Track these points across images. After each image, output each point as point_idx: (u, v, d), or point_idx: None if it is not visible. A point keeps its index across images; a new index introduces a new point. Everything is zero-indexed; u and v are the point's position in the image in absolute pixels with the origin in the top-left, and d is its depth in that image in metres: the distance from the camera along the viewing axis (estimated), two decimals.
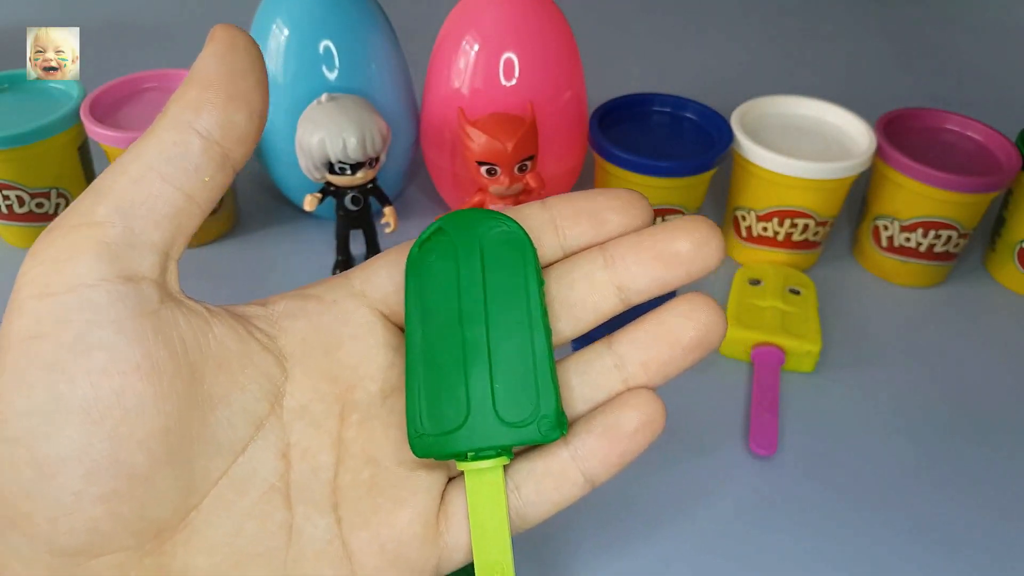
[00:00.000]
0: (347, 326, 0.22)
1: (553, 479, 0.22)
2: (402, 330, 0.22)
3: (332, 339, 0.22)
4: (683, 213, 0.55)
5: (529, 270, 0.21)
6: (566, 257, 0.22)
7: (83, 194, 0.19)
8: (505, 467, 0.22)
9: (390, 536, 0.21)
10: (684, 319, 0.21)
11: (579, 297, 0.22)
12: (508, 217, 0.21)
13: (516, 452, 0.22)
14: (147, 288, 0.18)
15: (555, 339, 0.22)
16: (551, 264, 0.22)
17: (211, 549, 0.19)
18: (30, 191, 0.54)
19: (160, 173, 0.19)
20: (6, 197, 0.54)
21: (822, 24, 0.94)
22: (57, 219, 0.19)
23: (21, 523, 0.17)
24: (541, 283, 0.21)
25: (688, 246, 0.21)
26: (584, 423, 0.22)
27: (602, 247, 0.22)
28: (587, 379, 0.22)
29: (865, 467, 0.45)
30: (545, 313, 0.21)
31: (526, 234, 0.21)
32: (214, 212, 0.57)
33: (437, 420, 0.21)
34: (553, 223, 0.22)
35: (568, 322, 0.22)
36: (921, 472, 0.45)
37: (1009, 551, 0.41)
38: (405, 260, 0.22)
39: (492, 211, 0.22)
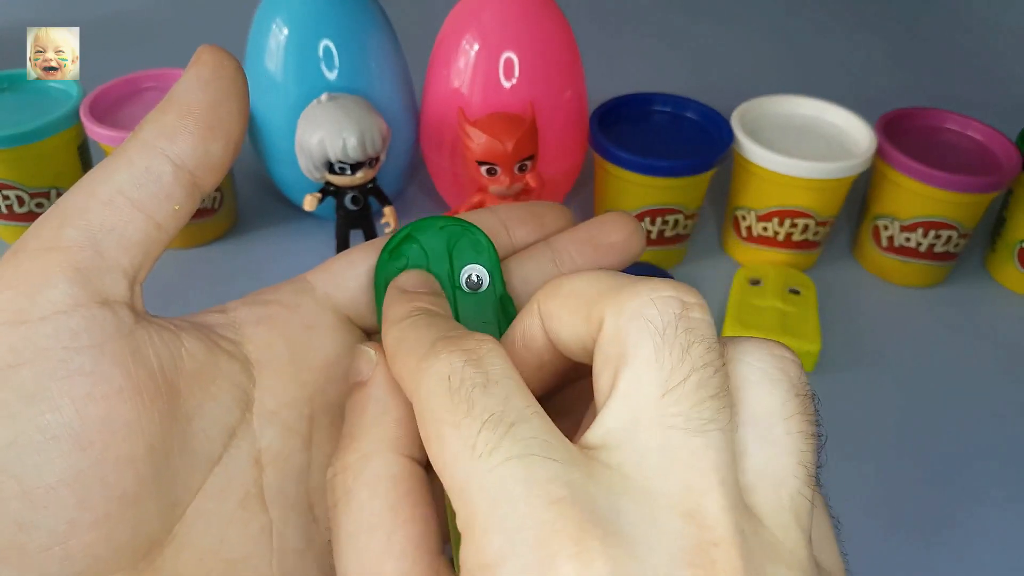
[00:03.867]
0: (312, 330, 0.22)
1: None
2: (366, 332, 0.23)
3: (297, 344, 0.22)
4: (683, 213, 0.55)
5: (493, 269, 0.23)
6: (517, 252, 0.24)
7: (47, 215, 0.18)
8: None
9: None
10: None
11: (535, 288, 0.23)
12: (472, 224, 0.23)
13: None
14: (121, 311, 0.18)
15: None
16: (506, 259, 0.24)
17: (199, 560, 0.19)
18: (30, 191, 0.54)
19: (130, 199, 0.18)
20: (6, 197, 0.54)
21: (822, 24, 0.94)
22: (20, 241, 0.18)
23: (13, 556, 0.17)
24: (503, 281, 0.23)
25: (619, 237, 0.23)
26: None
27: (548, 243, 0.24)
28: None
29: (864, 467, 0.45)
30: (509, 309, 0.22)
31: (489, 240, 0.23)
32: (214, 212, 0.57)
33: None
34: (503, 225, 0.24)
35: (530, 315, 0.23)
36: (921, 472, 0.45)
37: (1009, 551, 0.41)
38: (365, 261, 0.23)
39: (456, 218, 0.23)
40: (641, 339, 0.16)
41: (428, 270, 0.23)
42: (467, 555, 0.15)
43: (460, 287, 0.23)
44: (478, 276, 0.23)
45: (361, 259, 0.23)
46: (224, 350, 0.20)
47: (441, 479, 0.16)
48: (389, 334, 0.19)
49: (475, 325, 0.22)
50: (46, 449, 0.17)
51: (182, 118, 0.19)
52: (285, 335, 0.22)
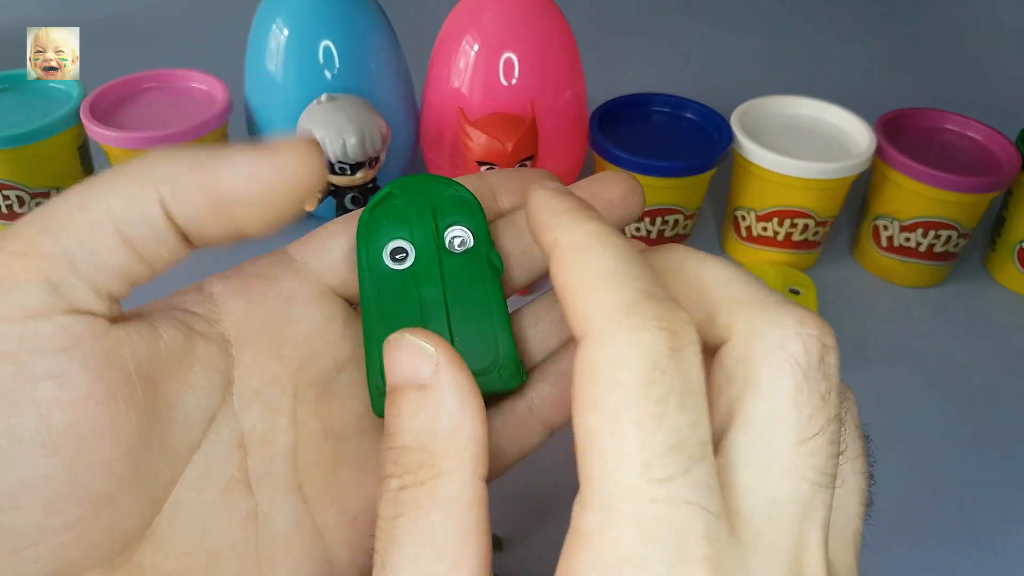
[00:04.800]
0: (292, 302, 0.21)
1: (512, 432, 0.22)
2: (349, 302, 0.22)
3: (277, 317, 0.21)
4: (683, 213, 0.55)
5: (479, 228, 0.22)
6: (512, 211, 0.23)
7: (31, 217, 0.17)
8: None
9: (360, 508, 0.21)
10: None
11: (525, 249, 0.23)
12: (456, 181, 0.22)
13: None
14: (94, 319, 0.17)
15: (508, 288, 0.23)
16: (495, 220, 0.23)
17: (180, 552, 0.19)
18: (30, 191, 0.54)
19: (119, 230, 0.17)
20: (6, 197, 0.54)
21: (822, 24, 0.94)
22: (1, 238, 0.17)
23: None
24: (491, 242, 0.22)
25: (617, 194, 0.23)
26: (538, 372, 0.23)
27: None
28: (539, 331, 0.23)
29: None
30: (497, 266, 0.22)
31: (474, 197, 0.22)
32: None
33: None
34: (490, 190, 0.23)
35: (519, 271, 0.23)
36: (920, 472, 0.45)
37: (1008, 551, 0.41)
38: (346, 231, 0.22)
39: (440, 176, 0.22)
40: (781, 374, 0.15)
41: (410, 229, 0.22)
42: (588, 561, 0.14)
43: (445, 247, 0.22)
44: (463, 236, 0.22)
45: (342, 230, 0.22)
46: (201, 333, 0.20)
47: (583, 461, 0.15)
48: (568, 232, 0.17)
49: (462, 287, 0.22)
50: (10, 453, 0.16)
51: (197, 189, 0.17)
52: (263, 308, 0.21)
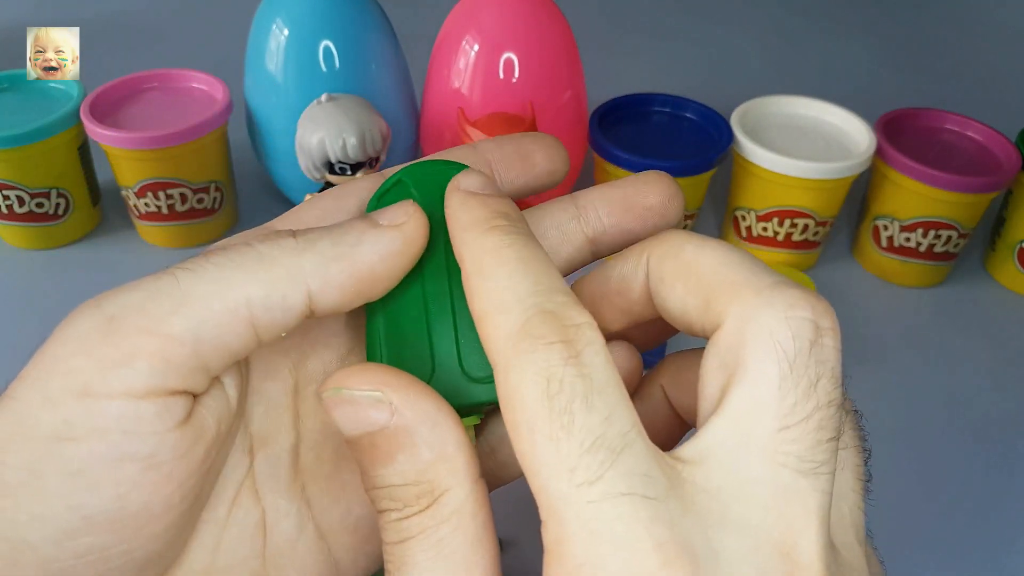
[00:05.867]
0: None
1: None
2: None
3: None
4: (684, 213, 0.55)
5: None
6: (536, 204, 0.22)
7: (159, 287, 0.17)
8: (477, 428, 0.21)
9: (362, 512, 0.20)
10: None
11: (550, 247, 0.21)
12: (469, 167, 0.21)
13: (489, 413, 0.21)
14: (193, 398, 0.17)
15: None
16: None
17: (195, 573, 0.19)
18: (30, 191, 0.54)
19: (253, 316, 0.17)
20: (6, 197, 0.54)
21: (822, 24, 0.94)
22: (116, 307, 0.16)
23: None
24: None
25: (657, 200, 0.21)
26: None
27: (573, 197, 0.22)
28: None
29: None
30: None
31: None
32: (214, 212, 0.57)
33: None
34: (489, 167, 0.22)
35: None
36: (920, 472, 0.45)
37: (1008, 551, 0.41)
38: (339, 209, 0.21)
39: (452, 161, 0.21)
40: (767, 362, 0.15)
41: None
42: (557, 574, 0.14)
43: None
44: None
45: (334, 204, 0.21)
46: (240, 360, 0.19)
47: (529, 483, 0.15)
48: (469, 250, 0.17)
49: None
50: (73, 527, 0.16)
51: (345, 275, 0.17)
52: None
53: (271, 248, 0.17)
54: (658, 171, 0.22)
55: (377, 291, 0.18)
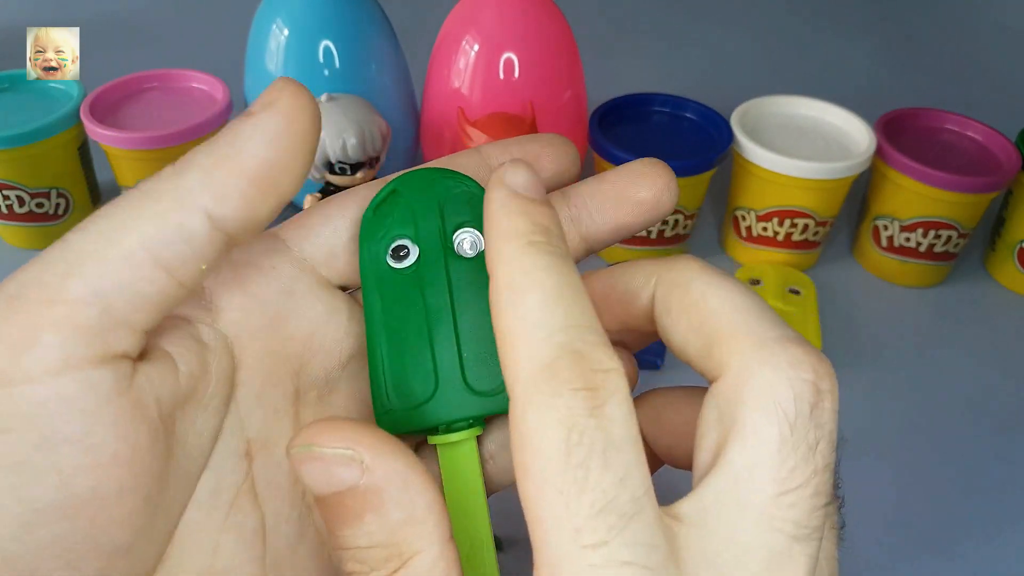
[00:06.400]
0: (291, 295, 0.20)
1: None
2: (343, 288, 0.21)
3: (277, 312, 0.19)
4: (683, 213, 0.55)
5: None
6: None
7: (53, 256, 0.16)
8: (478, 437, 0.21)
9: None
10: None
11: None
12: (466, 176, 0.21)
13: (488, 420, 0.21)
14: (122, 365, 0.16)
15: None
16: None
17: None
18: (30, 191, 0.54)
19: (155, 256, 0.16)
20: (6, 197, 0.54)
21: (822, 24, 0.94)
22: (15, 285, 0.15)
23: None
24: None
25: (649, 194, 0.21)
26: None
27: (564, 193, 0.21)
28: None
29: (864, 466, 0.45)
30: None
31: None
32: None
33: (404, 394, 0.20)
34: (491, 171, 0.21)
35: None
36: (920, 472, 0.45)
37: (1008, 550, 0.41)
38: (342, 215, 0.20)
39: (449, 170, 0.20)
40: (767, 423, 0.15)
41: (416, 228, 0.20)
42: None
43: (453, 250, 0.20)
44: (474, 238, 0.20)
45: (338, 212, 0.20)
46: (209, 346, 0.18)
47: (529, 528, 0.15)
48: (504, 266, 0.16)
49: (472, 296, 0.20)
50: (28, 520, 0.15)
51: (235, 177, 0.16)
52: (262, 303, 0.19)
53: (153, 181, 0.16)
54: (651, 160, 0.21)
55: (284, 185, 0.16)
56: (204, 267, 0.16)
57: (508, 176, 0.17)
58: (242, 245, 0.17)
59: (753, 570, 0.15)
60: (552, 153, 0.21)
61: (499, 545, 0.40)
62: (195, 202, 0.16)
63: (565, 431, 0.14)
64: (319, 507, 0.16)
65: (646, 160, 0.21)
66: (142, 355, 0.17)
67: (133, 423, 0.16)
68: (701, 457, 0.16)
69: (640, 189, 0.21)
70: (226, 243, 0.16)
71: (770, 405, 0.15)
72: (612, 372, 0.15)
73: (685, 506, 0.15)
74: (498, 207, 0.17)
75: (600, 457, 0.14)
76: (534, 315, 0.15)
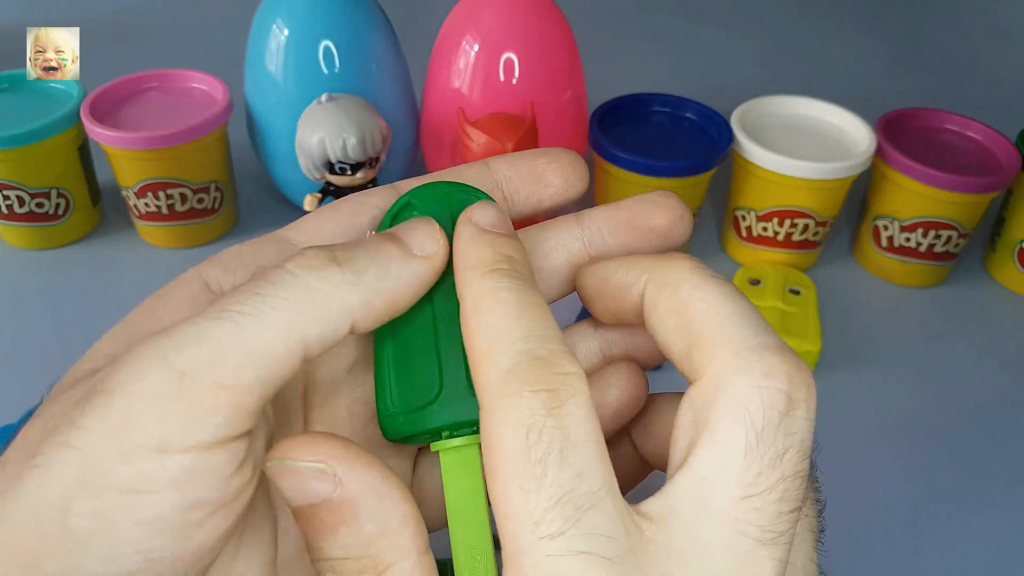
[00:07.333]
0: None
1: None
2: None
3: None
4: None
5: None
6: (541, 223, 0.22)
7: (223, 335, 0.16)
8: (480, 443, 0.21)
9: None
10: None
11: (554, 267, 0.22)
12: (478, 190, 0.21)
13: None
14: (250, 437, 0.17)
15: None
16: (524, 229, 0.22)
17: None
18: (30, 191, 0.54)
19: (307, 352, 0.17)
20: (6, 197, 0.54)
21: (822, 24, 0.94)
22: (185, 361, 0.16)
23: None
24: None
25: (663, 222, 0.21)
26: None
27: (578, 217, 0.22)
28: (585, 349, 0.22)
29: (864, 466, 0.45)
30: None
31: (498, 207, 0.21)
32: (214, 212, 0.57)
33: (408, 397, 0.20)
34: (500, 188, 0.22)
35: (544, 291, 0.22)
36: (920, 471, 0.45)
37: (1007, 550, 0.41)
38: (352, 218, 0.21)
39: (461, 184, 0.21)
40: (734, 429, 0.15)
41: None
42: None
43: None
44: None
45: (349, 220, 0.21)
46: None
47: (498, 527, 0.15)
48: (470, 290, 0.18)
49: None
50: (136, 568, 0.16)
51: (386, 305, 0.18)
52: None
53: (321, 283, 0.17)
54: (665, 191, 0.22)
55: (399, 313, 0.18)
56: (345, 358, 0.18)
57: (476, 214, 0.19)
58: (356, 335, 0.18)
59: (714, 569, 0.15)
60: (558, 168, 0.22)
61: (499, 544, 0.40)
62: (352, 315, 0.17)
63: (524, 429, 0.15)
64: (296, 519, 0.17)
65: (660, 192, 0.22)
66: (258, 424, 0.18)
67: (250, 482, 0.17)
68: (674, 457, 0.17)
69: (654, 217, 0.21)
70: (348, 338, 0.18)
71: (739, 412, 0.16)
72: (572, 375, 0.15)
73: (653, 504, 0.16)
74: (466, 240, 0.18)
75: (558, 454, 0.15)
76: (497, 329, 0.16)
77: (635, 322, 0.19)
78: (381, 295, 0.18)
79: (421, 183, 0.21)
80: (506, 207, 0.22)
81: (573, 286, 0.22)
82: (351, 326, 0.17)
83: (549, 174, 0.22)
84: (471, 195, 0.21)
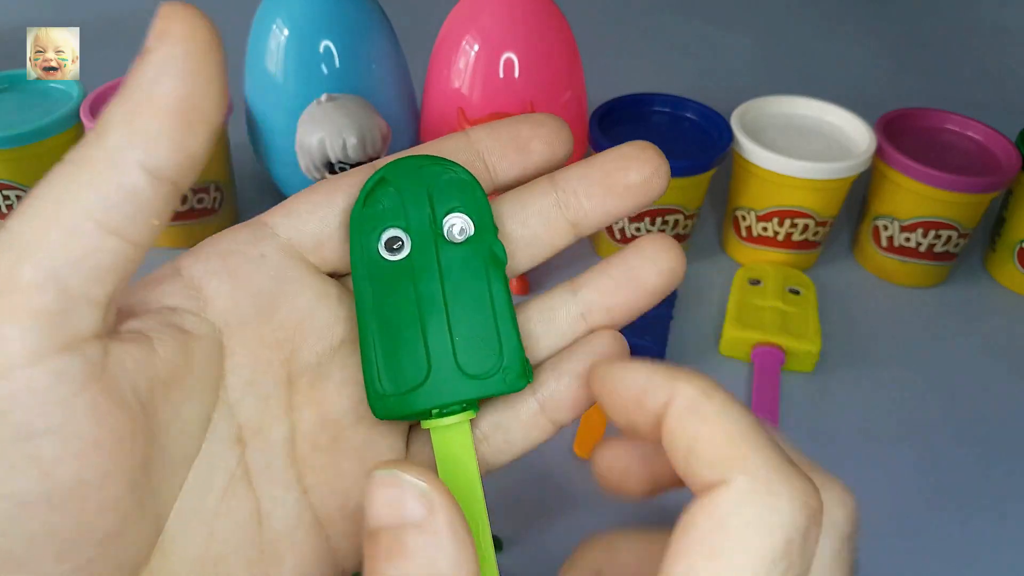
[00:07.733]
0: (280, 282, 0.20)
1: (522, 428, 0.22)
2: (332, 275, 0.21)
3: (267, 299, 0.19)
4: (683, 213, 0.55)
5: (481, 213, 0.20)
6: (514, 189, 0.22)
7: None
8: (471, 420, 0.21)
9: (359, 501, 0.20)
10: (650, 263, 0.21)
11: (533, 234, 0.21)
12: (454, 162, 0.21)
13: (481, 402, 0.22)
14: (91, 348, 0.16)
15: (510, 273, 0.21)
16: (499, 196, 0.22)
17: (188, 562, 0.18)
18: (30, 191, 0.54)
19: (101, 222, 0.15)
20: (6, 197, 0.54)
21: (822, 24, 0.94)
22: None
23: None
24: (494, 229, 0.20)
25: (639, 178, 0.21)
26: (551, 369, 0.22)
27: (551, 179, 0.21)
28: (552, 327, 0.22)
29: (864, 467, 0.45)
30: (500, 257, 0.20)
31: (474, 178, 0.20)
32: (214, 212, 0.57)
33: (397, 379, 0.20)
34: (481, 159, 0.21)
35: (523, 259, 0.22)
36: (920, 472, 0.45)
37: (1008, 550, 0.41)
38: (330, 202, 0.20)
39: (436, 157, 0.21)
40: (738, 553, 0.15)
41: (406, 217, 0.20)
42: None
43: (443, 236, 0.20)
44: (463, 224, 0.20)
45: (325, 200, 0.20)
46: (193, 333, 0.18)
47: None
48: (671, 382, 0.17)
49: (463, 281, 0.20)
50: (14, 514, 0.15)
51: (157, 121, 0.15)
52: (251, 290, 0.19)
53: (78, 150, 0.16)
54: (640, 143, 0.21)
55: (208, 111, 0.16)
56: (156, 222, 0.16)
57: (607, 354, 0.20)
58: (188, 186, 0.17)
59: None
60: (543, 135, 0.21)
61: (499, 545, 0.40)
62: (126, 158, 0.15)
63: (784, 540, 0.15)
64: (369, 539, 0.16)
65: (635, 143, 0.21)
66: (116, 338, 0.17)
67: (110, 408, 0.16)
68: (671, 567, 0.16)
69: (629, 173, 0.21)
70: (171, 190, 0.16)
71: (744, 538, 0.15)
72: (822, 508, 0.16)
73: None
74: (621, 372, 0.19)
75: None
76: (748, 421, 0.16)
77: (648, 433, 0.18)
78: (138, 114, 0.15)
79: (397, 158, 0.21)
80: (488, 178, 0.21)
81: (551, 251, 0.22)
82: (138, 168, 0.15)
83: (532, 141, 0.21)
84: (446, 168, 0.20)
